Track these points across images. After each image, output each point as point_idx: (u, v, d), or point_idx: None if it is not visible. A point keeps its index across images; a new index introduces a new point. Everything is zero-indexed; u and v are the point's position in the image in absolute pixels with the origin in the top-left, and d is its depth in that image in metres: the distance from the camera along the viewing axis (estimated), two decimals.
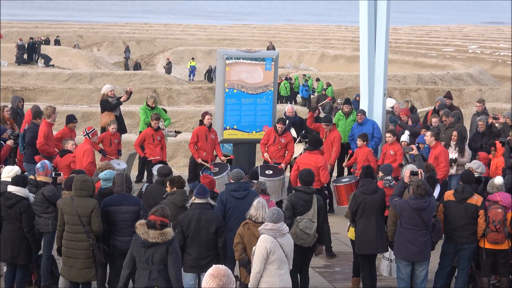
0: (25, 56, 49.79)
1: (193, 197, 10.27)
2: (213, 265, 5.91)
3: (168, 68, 52.25)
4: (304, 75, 44.60)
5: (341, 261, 13.33)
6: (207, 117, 16.59)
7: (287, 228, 9.17)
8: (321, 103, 34.13)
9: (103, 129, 17.43)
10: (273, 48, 52.72)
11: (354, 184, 14.63)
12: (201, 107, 31.92)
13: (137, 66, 53.15)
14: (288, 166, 16.76)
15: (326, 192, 14.90)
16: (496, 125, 16.99)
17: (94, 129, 15.51)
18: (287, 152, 16.31)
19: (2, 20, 69.67)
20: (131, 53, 59.41)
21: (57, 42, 60.09)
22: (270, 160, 16.16)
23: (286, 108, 17.38)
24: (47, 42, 58.90)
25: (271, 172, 15.65)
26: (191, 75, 53.50)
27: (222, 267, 5.85)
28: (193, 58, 55.09)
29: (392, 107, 18.96)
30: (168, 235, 8.89)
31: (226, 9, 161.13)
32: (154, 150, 16.82)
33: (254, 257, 8.91)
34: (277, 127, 16.17)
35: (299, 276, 11.16)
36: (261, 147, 16.45)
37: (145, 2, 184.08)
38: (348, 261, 12.83)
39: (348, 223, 11.96)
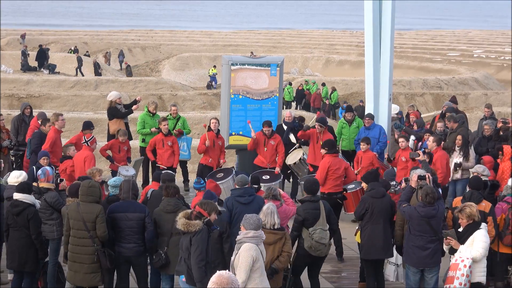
0: (33, 63, 49.77)
1: None
2: (217, 272, 5.68)
3: (129, 72, 52.21)
4: (307, 81, 44.53)
5: (347, 266, 13.28)
6: (212, 120, 16.54)
7: (264, 235, 9.12)
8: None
9: (113, 136, 17.33)
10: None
11: (360, 190, 14.59)
12: (206, 113, 31.94)
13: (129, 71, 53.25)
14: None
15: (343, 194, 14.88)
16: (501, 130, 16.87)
17: (93, 136, 15.55)
18: (277, 154, 16.22)
19: (8, 28, 69.77)
20: (125, 58, 59.37)
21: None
22: (252, 132, 16.23)
23: (284, 113, 17.20)
24: (75, 51, 58.58)
25: (268, 177, 15.62)
26: (213, 83, 50.79)
27: (225, 274, 5.61)
28: (214, 66, 52.64)
29: (397, 113, 18.90)
30: (192, 227, 9.13)
31: (229, 15, 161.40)
32: (162, 156, 16.64)
33: (239, 266, 8.76)
34: (264, 131, 16.15)
35: (310, 282, 11.16)
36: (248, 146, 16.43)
37: (147, 4, 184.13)
38: (354, 266, 12.81)
39: (357, 227, 11.91)
